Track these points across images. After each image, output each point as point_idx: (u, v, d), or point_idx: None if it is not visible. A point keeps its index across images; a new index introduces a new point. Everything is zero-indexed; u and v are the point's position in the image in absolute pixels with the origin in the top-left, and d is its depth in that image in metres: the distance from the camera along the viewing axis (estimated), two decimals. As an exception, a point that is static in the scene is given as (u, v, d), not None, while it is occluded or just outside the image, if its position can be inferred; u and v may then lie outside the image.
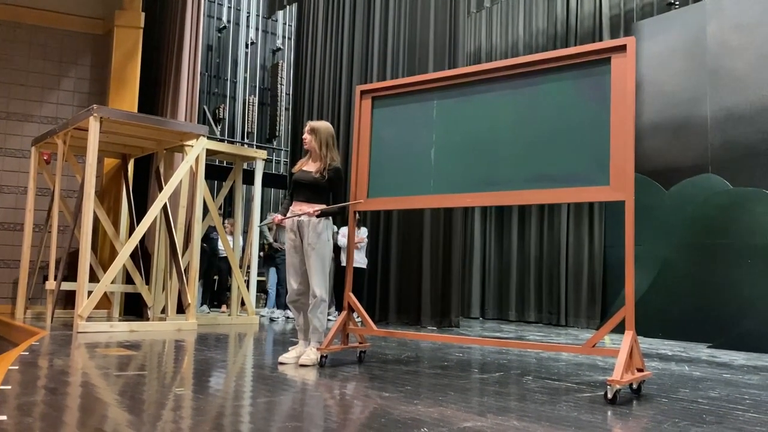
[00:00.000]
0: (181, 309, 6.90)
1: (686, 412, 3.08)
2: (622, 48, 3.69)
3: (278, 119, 15.14)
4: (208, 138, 7.39)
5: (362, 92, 4.79)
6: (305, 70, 10.39)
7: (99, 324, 6.39)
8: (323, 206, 4.32)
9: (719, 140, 7.26)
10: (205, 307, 9.35)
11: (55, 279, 6.89)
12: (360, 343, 4.62)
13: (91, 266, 6.71)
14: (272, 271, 9.00)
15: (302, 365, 4.15)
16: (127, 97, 8.67)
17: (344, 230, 7.84)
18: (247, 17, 15.33)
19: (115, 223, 8.06)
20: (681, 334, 7.16)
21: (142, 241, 7.35)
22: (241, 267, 8.09)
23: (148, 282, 7.67)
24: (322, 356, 4.20)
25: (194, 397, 3.13)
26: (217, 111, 14.62)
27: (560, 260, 9.45)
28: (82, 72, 9.15)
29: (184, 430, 2.48)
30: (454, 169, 4.27)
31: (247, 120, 15.04)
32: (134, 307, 8.10)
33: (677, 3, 8.61)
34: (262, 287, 9.96)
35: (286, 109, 14.97)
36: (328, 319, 6.04)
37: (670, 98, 7.81)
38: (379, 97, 4.72)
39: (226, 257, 8.42)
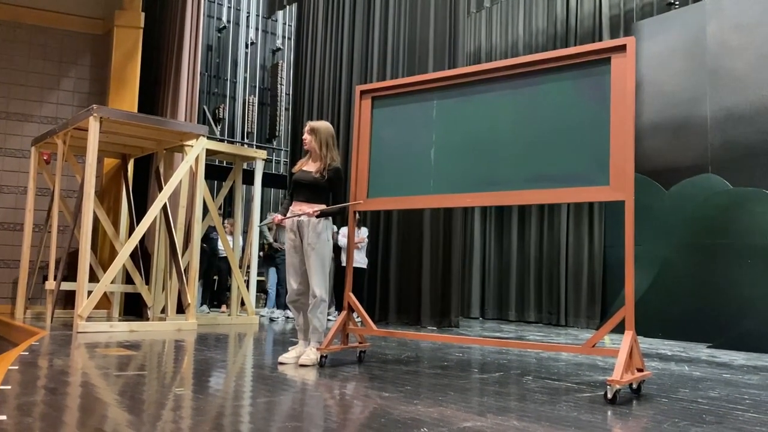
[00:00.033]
0: (180, 309, 6.90)
1: (686, 412, 3.08)
2: (622, 48, 3.69)
3: (278, 119, 15.14)
4: (208, 138, 7.39)
5: (362, 92, 4.79)
6: (305, 70, 10.39)
7: (99, 324, 6.39)
8: (323, 206, 4.32)
9: (719, 140, 7.26)
10: (204, 307, 9.36)
11: (55, 279, 6.89)
12: (360, 343, 4.62)
13: (90, 266, 6.71)
14: (272, 271, 9.01)
15: (302, 365, 4.15)
16: (126, 97, 8.67)
17: (345, 230, 7.84)
18: (247, 17, 15.32)
19: (115, 223, 8.06)
20: (681, 334, 7.16)
21: (141, 241, 7.35)
22: (240, 267, 8.09)
23: (147, 282, 7.66)
24: (321, 356, 4.20)
25: (194, 397, 3.13)
26: (217, 111, 14.62)
27: (560, 260, 9.45)
28: (82, 72, 9.15)
29: (184, 430, 2.48)
30: (454, 169, 4.27)
31: (247, 120, 15.04)
32: (134, 307, 8.10)
33: (677, 3, 8.61)
34: (261, 287, 9.96)
35: (286, 109, 14.97)
36: (328, 319, 6.04)
37: (670, 98, 7.81)
38: (379, 97, 4.72)
39: (225, 257, 8.42)
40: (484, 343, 4.57)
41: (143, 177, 8.54)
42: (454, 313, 8.20)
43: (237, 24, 15.16)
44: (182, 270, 6.79)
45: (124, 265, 7.08)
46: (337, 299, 8.22)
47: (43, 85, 8.93)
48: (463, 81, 4.33)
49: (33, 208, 7.82)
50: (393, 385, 3.58)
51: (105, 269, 7.33)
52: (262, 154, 8.43)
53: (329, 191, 4.41)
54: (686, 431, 2.68)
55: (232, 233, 8.82)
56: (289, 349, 4.45)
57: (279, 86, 15.17)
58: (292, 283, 4.35)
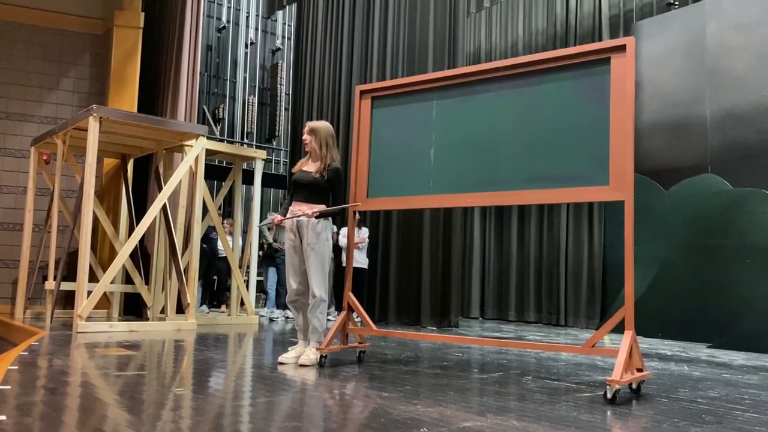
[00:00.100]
0: (180, 309, 6.90)
1: (686, 412, 3.08)
2: (622, 48, 3.70)
3: (278, 119, 15.14)
4: (208, 138, 7.39)
5: (362, 92, 4.79)
6: (305, 70, 10.39)
7: (98, 324, 6.39)
8: (322, 207, 4.32)
9: (719, 140, 7.27)
10: (204, 307, 9.36)
11: (55, 279, 6.89)
12: (359, 343, 4.62)
13: (90, 266, 6.71)
14: (271, 271, 9.01)
15: (302, 365, 4.15)
16: (126, 97, 8.67)
17: (345, 230, 7.84)
18: (247, 17, 15.32)
19: (115, 223, 8.06)
20: (680, 334, 7.16)
21: (141, 241, 7.35)
22: (240, 267, 8.09)
23: (147, 282, 7.66)
24: (321, 356, 4.20)
25: (194, 397, 3.13)
26: (216, 111, 14.62)
27: (560, 260, 9.45)
28: (82, 72, 9.15)
29: (183, 430, 2.48)
30: (454, 169, 4.27)
31: (247, 120, 15.04)
32: (134, 307, 8.10)
33: (677, 3, 8.62)
34: (261, 287, 9.97)
35: (285, 109, 14.96)
36: (328, 319, 6.04)
37: (669, 98, 7.82)
38: (379, 97, 4.72)
39: (225, 257, 8.42)
40: (484, 343, 4.57)
41: (143, 177, 8.54)
42: (454, 313, 8.20)
43: (237, 24, 15.16)
44: (182, 270, 6.79)
45: (123, 265, 7.08)
46: (337, 299, 8.22)
47: (43, 85, 8.93)
48: (463, 81, 4.33)
49: (33, 208, 7.82)
50: (393, 385, 3.58)
51: (105, 269, 7.32)
52: (262, 154, 8.43)
53: (329, 191, 4.41)
54: (686, 431, 2.68)
55: (231, 233, 8.82)
56: (289, 349, 4.45)
57: (279, 86, 15.16)
58: (292, 283, 4.35)
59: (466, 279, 10.68)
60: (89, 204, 6.34)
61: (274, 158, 15.13)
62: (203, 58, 13.62)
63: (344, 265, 5.35)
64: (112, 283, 7.20)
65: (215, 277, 9.87)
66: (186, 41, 8.49)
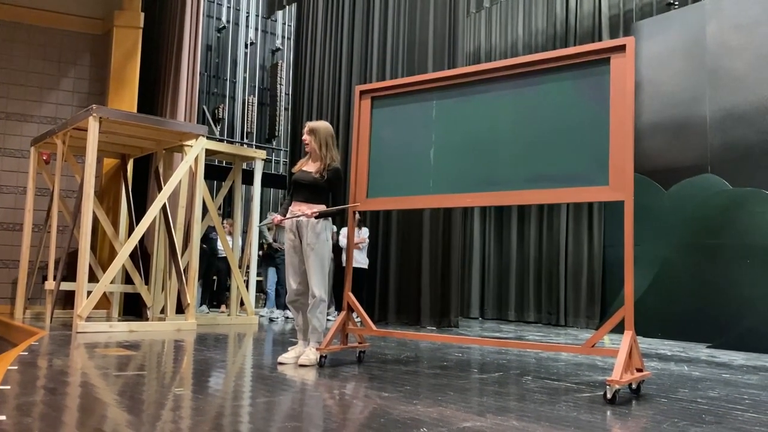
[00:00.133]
0: (180, 309, 6.90)
1: (685, 412, 3.08)
2: (622, 48, 3.70)
3: (277, 119, 15.14)
4: (208, 138, 7.39)
5: (361, 92, 4.79)
6: (304, 70, 10.39)
7: (98, 324, 6.39)
8: (322, 207, 4.32)
9: (719, 140, 7.27)
10: (204, 307, 9.35)
11: (55, 279, 6.89)
12: (359, 343, 4.62)
13: (90, 266, 6.71)
14: (271, 271, 9.01)
15: (301, 365, 4.15)
16: (126, 97, 8.67)
17: (345, 231, 7.84)
18: (247, 17, 15.32)
19: (115, 223, 8.06)
20: (680, 334, 7.16)
21: (141, 241, 7.35)
22: (240, 267, 8.09)
23: (147, 282, 7.66)
24: (321, 356, 4.20)
25: (193, 397, 3.13)
26: (216, 111, 14.62)
27: (559, 260, 9.45)
28: (82, 72, 9.15)
29: (183, 430, 2.48)
30: (454, 169, 4.27)
31: (247, 120, 15.04)
32: (133, 307, 8.10)
33: (677, 3, 8.62)
34: (261, 287, 9.97)
35: (285, 109, 14.96)
36: (328, 319, 6.04)
37: (669, 98, 7.82)
38: (379, 97, 4.71)
39: (225, 257, 8.42)
40: (484, 343, 4.57)
41: (143, 177, 8.54)
42: (454, 313, 8.20)
43: (236, 24, 15.16)
44: (181, 270, 6.79)
45: (123, 265, 7.08)
46: (336, 299, 8.22)
47: (43, 85, 8.93)
48: (463, 81, 4.33)
49: (32, 208, 7.82)
50: (392, 385, 3.58)
51: (104, 269, 7.32)
52: (262, 154, 8.43)
53: (329, 191, 4.41)
54: (685, 431, 2.68)
55: (231, 233, 8.82)
56: (289, 349, 4.45)
57: (278, 86, 15.17)
58: (292, 283, 4.35)
59: (465, 279, 10.68)
60: (89, 204, 6.34)
61: (273, 158, 15.13)
62: (203, 58, 13.63)
63: (344, 265, 5.35)
64: (111, 283, 7.20)
65: (215, 277, 9.87)
66: (186, 41, 8.49)
